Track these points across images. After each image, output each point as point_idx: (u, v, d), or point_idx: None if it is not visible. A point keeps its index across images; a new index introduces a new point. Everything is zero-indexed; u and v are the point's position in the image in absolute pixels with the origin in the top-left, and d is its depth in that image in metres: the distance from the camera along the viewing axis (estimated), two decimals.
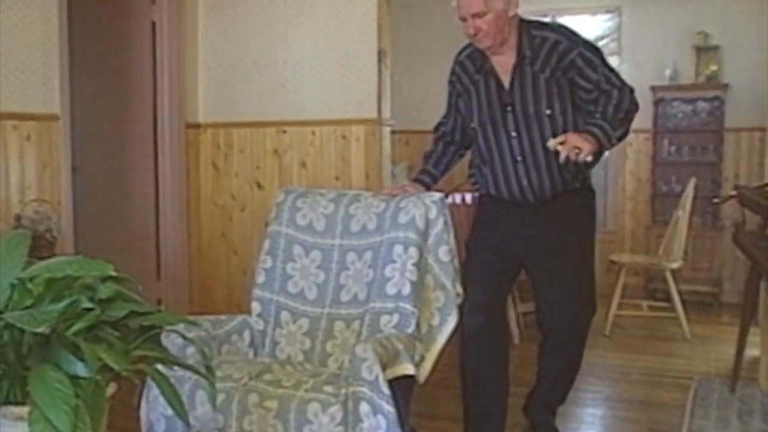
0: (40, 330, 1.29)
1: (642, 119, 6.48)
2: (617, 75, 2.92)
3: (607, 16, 6.69)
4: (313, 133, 4.59)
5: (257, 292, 3.11)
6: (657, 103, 6.48)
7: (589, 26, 6.73)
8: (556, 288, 3.03)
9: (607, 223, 6.80)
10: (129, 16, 4.90)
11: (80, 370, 1.34)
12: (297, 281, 3.08)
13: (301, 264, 3.09)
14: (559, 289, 3.02)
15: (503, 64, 2.90)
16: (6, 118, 3.78)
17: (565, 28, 2.95)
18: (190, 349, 2.51)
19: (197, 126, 4.90)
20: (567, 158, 2.67)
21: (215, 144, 4.88)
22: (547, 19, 6.78)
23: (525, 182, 2.94)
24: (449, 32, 7.10)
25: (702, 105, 6.42)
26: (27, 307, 1.41)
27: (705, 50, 6.35)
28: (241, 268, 4.78)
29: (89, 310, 1.43)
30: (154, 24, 4.82)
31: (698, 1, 6.38)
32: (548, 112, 2.86)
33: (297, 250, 3.11)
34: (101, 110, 5.02)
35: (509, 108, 2.90)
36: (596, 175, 6.74)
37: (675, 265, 5.23)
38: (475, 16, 2.76)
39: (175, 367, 1.76)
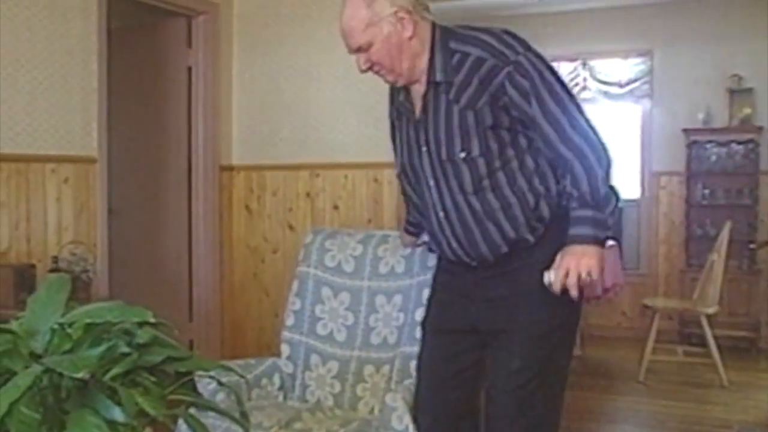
0: (80, 375, 1.30)
1: (675, 162, 6.49)
2: (573, 118, 2.08)
3: (639, 59, 6.70)
4: (346, 177, 4.62)
5: (286, 334, 3.12)
6: (690, 146, 6.46)
7: (621, 70, 6.75)
8: (497, 382, 2.24)
9: (640, 267, 6.74)
10: (165, 61, 5.01)
11: (117, 414, 1.35)
12: (326, 323, 3.08)
13: (329, 306, 3.09)
14: (500, 385, 2.22)
15: (417, 91, 2.23)
16: (45, 161, 3.86)
17: (499, 36, 2.12)
18: (221, 395, 2.52)
19: (231, 168, 4.96)
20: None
21: (248, 186, 4.93)
22: (574, 64, 6.87)
23: (454, 243, 2.24)
24: None
25: (736, 148, 6.38)
26: (66, 352, 1.43)
27: (738, 93, 6.34)
28: (273, 310, 4.79)
29: (126, 354, 1.44)
30: (189, 69, 4.92)
31: (731, 43, 6.38)
32: (462, 155, 2.14)
33: (326, 291, 3.11)
34: (137, 153, 5.11)
35: (424, 148, 2.23)
36: (629, 217, 6.76)
37: (710, 310, 5.15)
38: (359, 50, 2.17)
39: (209, 414, 1.77)
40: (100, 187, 4.15)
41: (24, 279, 3.55)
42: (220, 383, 1.84)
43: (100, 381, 1.40)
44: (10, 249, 3.69)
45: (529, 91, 2.06)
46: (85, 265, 3.74)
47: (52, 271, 3.62)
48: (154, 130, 5.08)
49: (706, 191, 6.46)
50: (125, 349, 1.45)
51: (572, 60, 6.90)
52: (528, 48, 2.10)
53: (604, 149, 2.10)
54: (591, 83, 6.85)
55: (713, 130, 6.42)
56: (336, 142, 4.66)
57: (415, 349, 2.81)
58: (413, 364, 2.81)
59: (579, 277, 2.01)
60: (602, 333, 6.48)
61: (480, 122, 2.11)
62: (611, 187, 2.11)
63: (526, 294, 2.17)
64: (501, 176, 2.15)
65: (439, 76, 2.14)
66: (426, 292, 2.86)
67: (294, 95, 4.77)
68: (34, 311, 1.50)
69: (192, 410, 1.62)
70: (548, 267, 2.07)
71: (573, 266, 2.01)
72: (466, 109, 2.12)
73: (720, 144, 6.43)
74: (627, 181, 6.76)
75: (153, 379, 1.51)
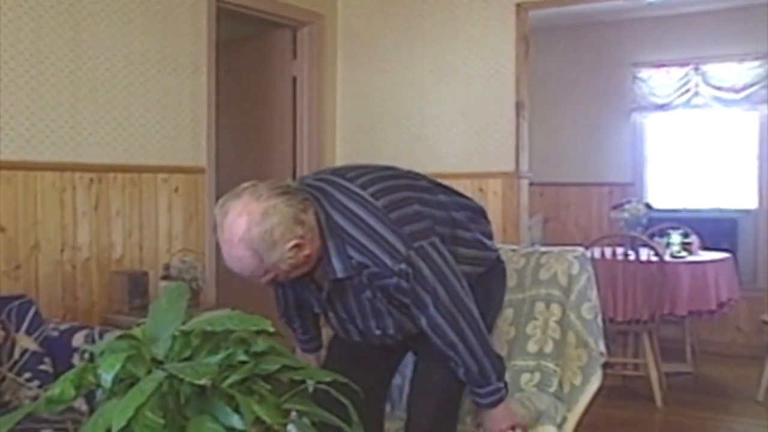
0: (201, 382, 1.31)
1: None
2: (463, 310, 2.10)
3: (756, 63, 6.39)
4: None
5: None
6: None
7: (736, 74, 6.46)
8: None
9: (758, 280, 6.42)
10: (271, 72, 5.09)
11: (236, 422, 1.35)
12: None
13: None
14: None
15: (320, 275, 2.17)
16: (157, 171, 3.97)
17: (383, 240, 2.01)
18: None
19: None
20: None
21: None
22: (686, 70, 6.61)
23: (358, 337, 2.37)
24: (584, 85, 7.00)
25: None
26: (185, 359, 1.44)
27: None
28: None
29: (244, 363, 1.44)
30: (294, 79, 4.99)
31: None
32: (378, 332, 2.25)
33: None
34: (243, 162, 5.21)
35: (332, 315, 2.30)
36: (745, 229, 6.45)
37: None
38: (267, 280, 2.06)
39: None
40: (208, 196, 4.24)
41: (137, 286, 3.66)
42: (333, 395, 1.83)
43: (218, 388, 1.41)
44: (123, 256, 3.81)
45: (416, 287, 2.04)
46: (195, 273, 3.82)
47: (164, 278, 3.72)
48: (260, 139, 5.17)
49: None
50: (243, 357, 1.45)
51: (683, 65, 6.65)
52: (409, 243, 2.02)
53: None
54: (703, 89, 6.59)
55: None
56: (440, 152, 4.62)
57: (527, 363, 2.77)
58: (524, 377, 2.75)
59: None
60: (715, 349, 6.19)
61: (387, 304, 2.13)
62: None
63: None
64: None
65: (340, 275, 2.06)
66: (539, 306, 2.81)
67: (397, 105, 4.77)
68: (155, 318, 1.52)
69: (305, 419, 1.61)
70: None
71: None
72: (373, 297, 2.11)
73: None
74: (743, 190, 6.46)
75: (268, 387, 1.51)
